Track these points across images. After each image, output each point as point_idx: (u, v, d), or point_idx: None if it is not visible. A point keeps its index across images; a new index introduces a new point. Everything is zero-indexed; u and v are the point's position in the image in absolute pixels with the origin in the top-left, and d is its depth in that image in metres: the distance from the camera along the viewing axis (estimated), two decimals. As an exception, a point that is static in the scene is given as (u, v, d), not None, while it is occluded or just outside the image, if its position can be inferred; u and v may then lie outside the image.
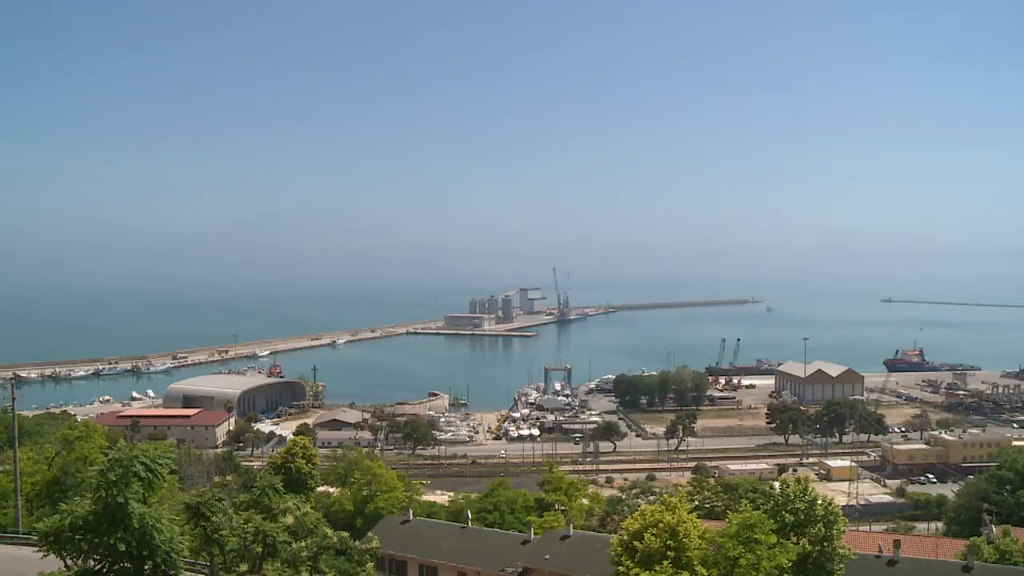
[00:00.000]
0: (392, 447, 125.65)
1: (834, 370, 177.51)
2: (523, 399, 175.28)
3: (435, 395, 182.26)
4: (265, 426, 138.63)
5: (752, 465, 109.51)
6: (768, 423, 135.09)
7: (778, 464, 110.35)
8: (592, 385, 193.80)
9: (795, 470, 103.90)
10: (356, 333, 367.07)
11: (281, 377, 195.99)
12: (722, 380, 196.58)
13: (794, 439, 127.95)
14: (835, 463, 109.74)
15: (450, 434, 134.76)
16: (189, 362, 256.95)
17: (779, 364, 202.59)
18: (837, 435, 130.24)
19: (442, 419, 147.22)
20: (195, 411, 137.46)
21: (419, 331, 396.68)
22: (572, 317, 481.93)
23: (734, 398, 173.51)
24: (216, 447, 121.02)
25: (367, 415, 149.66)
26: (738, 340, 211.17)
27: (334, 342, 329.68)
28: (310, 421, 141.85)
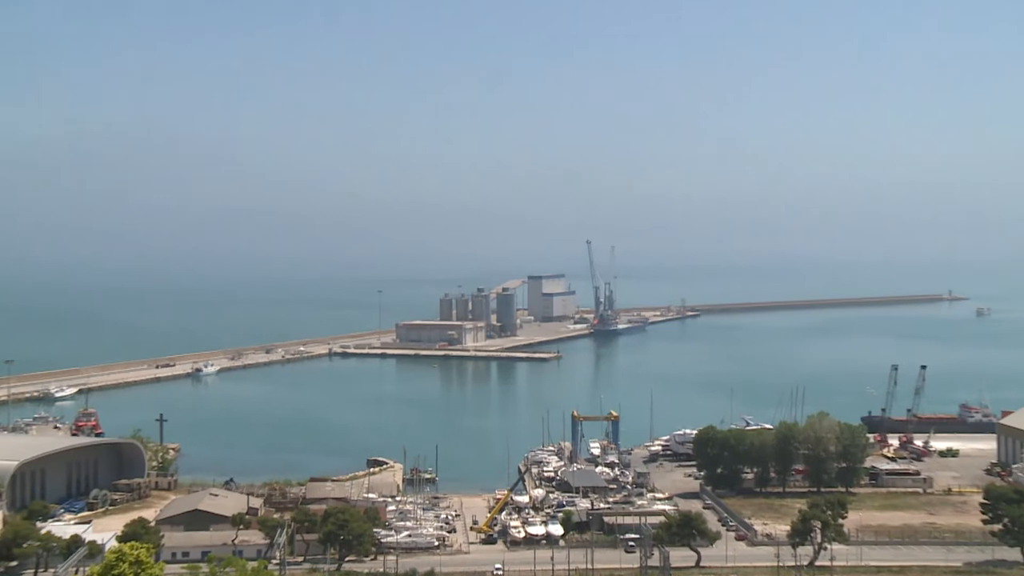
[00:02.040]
0: (302, 558, 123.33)
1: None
2: (534, 471, 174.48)
3: (379, 465, 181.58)
4: (64, 525, 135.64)
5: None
6: (987, 522, 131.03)
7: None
8: (656, 446, 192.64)
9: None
10: (238, 355, 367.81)
11: (98, 435, 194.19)
12: (894, 440, 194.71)
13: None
14: None
15: (406, 534, 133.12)
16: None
17: (1003, 415, 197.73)
18: None
19: (392, 507, 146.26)
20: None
21: (351, 350, 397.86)
22: (620, 326, 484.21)
23: (918, 473, 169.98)
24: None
25: (257, 501, 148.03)
26: (923, 368, 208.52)
27: (199, 370, 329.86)
28: (151, 514, 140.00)
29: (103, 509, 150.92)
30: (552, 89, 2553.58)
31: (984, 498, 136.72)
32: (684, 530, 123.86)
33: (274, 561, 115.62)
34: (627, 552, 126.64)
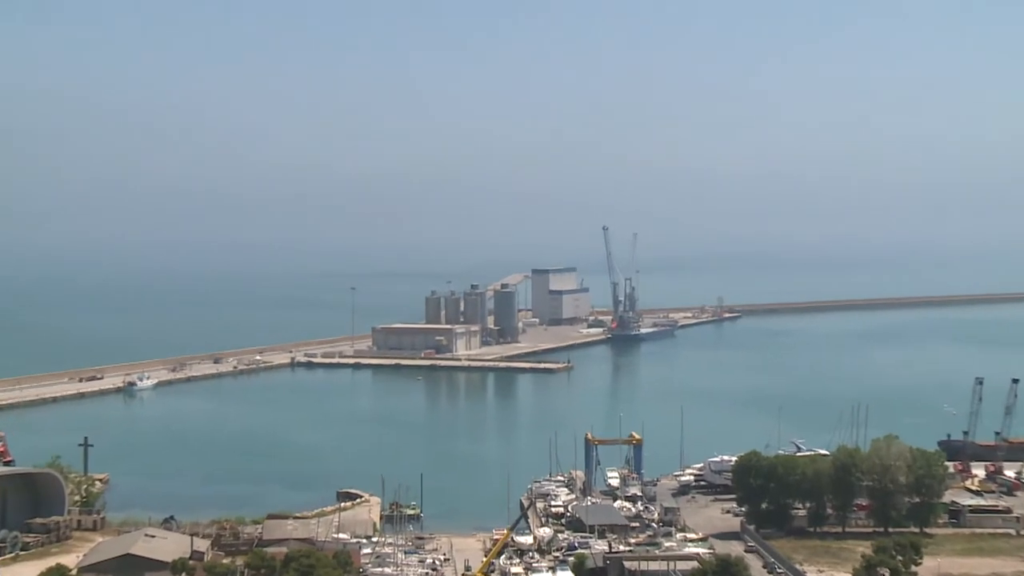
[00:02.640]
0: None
1: None
2: (540, 506, 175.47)
3: (352, 498, 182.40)
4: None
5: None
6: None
7: None
8: (687, 476, 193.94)
9: None
10: (180, 366, 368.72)
11: (7, 463, 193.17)
12: (979, 470, 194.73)
13: None
14: None
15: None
16: None
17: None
18: None
19: (367, 550, 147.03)
20: None
21: (318, 359, 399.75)
22: (643, 330, 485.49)
23: (1010, 511, 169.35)
24: None
25: (203, 543, 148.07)
26: (1015, 382, 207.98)
27: (132, 384, 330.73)
28: (72, 560, 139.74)
29: (13, 555, 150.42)
30: (563, 40, 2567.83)
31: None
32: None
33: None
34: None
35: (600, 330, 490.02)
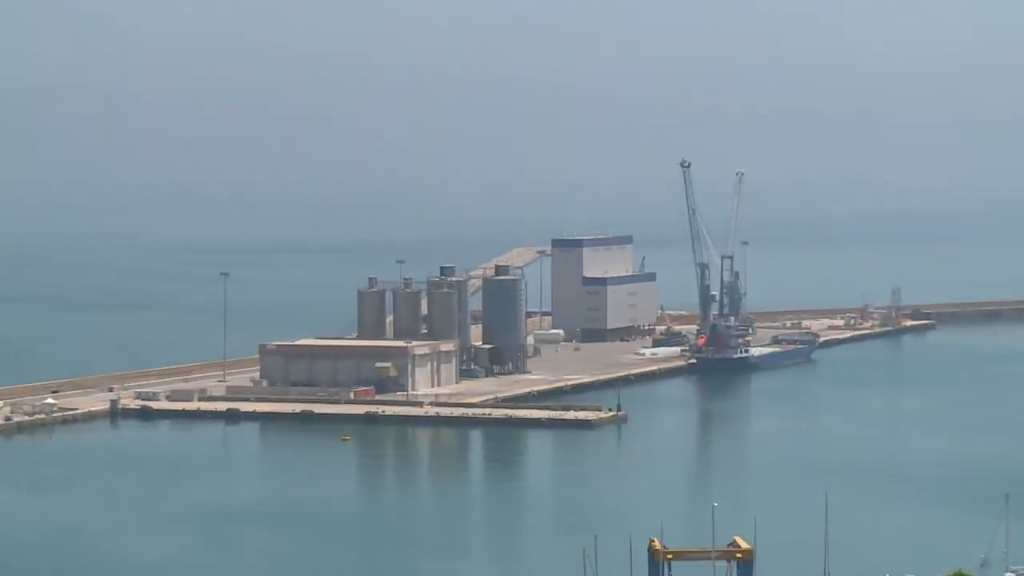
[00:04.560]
0: None
1: None
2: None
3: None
4: None
5: None
6: None
7: None
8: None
9: None
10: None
11: None
12: None
13: None
14: None
15: None
16: None
17: None
18: None
19: None
20: None
21: (161, 404, 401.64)
22: (754, 351, 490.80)
23: None
24: None
25: None
26: None
27: None
28: None
29: None
30: None
31: None
32: None
33: None
34: None
35: (676, 350, 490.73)
